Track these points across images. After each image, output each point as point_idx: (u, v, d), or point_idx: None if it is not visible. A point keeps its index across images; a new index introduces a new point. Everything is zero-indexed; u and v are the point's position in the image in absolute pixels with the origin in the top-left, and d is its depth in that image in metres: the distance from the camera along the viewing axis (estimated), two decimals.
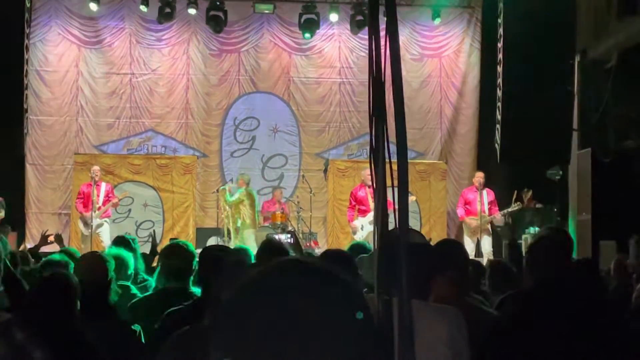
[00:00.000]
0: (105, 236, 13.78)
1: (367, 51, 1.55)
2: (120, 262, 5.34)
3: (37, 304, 3.84)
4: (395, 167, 1.42)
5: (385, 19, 1.52)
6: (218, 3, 15.82)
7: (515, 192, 14.02)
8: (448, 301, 3.41)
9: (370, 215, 13.50)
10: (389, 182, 1.43)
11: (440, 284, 3.59)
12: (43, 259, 5.98)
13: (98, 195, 14.04)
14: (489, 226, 14.10)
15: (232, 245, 14.02)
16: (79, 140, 16.36)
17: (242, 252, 5.53)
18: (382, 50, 1.49)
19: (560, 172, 13.75)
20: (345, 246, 8.71)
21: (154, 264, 7.91)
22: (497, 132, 14.67)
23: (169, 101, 16.69)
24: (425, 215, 16.04)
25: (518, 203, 13.81)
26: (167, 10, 15.81)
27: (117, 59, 16.55)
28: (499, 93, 14.69)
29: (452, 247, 4.17)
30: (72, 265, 5.10)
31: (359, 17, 15.92)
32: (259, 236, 13.55)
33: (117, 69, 16.54)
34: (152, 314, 4.47)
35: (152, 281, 6.05)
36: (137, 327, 4.27)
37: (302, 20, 16.15)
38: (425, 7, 16.72)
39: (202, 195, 16.09)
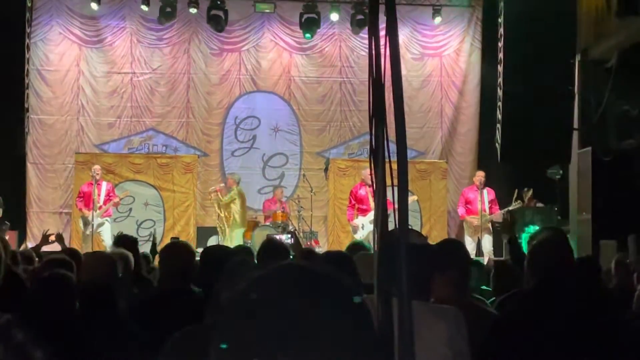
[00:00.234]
0: (106, 235, 13.79)
1: (367, 50, 1.55)
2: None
3: (36, 304, 3.84)
4: (395, 166, 1.42)
5: (385, 18, 1.52)
6: (219, 2, 15.82)
7: (516, 191, 14.02)
8: (449, 301, 3.41)
9: (371, 215, 13.51)
10: (389, 182, 1.43)
11: (441, 284, 3.59)
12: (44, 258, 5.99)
13: (99, 195, 14.05)
14: (489, 225, 14.11)
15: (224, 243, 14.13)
16: (80, 140, 16.37)
17: (244, 251, 5.53)
18: (382, 50, 1.49)
19: (561, 172, 13.74)
20: (345, 245, 8.71)
21: (154, 264, 7.92)
22: (497, 131, 14.65)
23: (169, 100, 16.69)
24: (425, 214, 16.04)
25: (518, 201, 13.81)
26: (168, 9, 15.82)
27: (118, 58, 16.55)
28: (500, 92, 14.66)
29: (453, 246, 4.16)
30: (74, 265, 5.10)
31: (360, 17, 15.93)
32: (259, 235, 13.55)
33: (118, 68, 16.54)
34: (153, 314, 4.47)
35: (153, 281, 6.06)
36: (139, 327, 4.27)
37: (303, 19, 16.15)
38: (426, 5, 16.73)
39: (203, 195, 16.08)
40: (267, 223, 14.61)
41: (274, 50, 16.94)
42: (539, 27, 13.30)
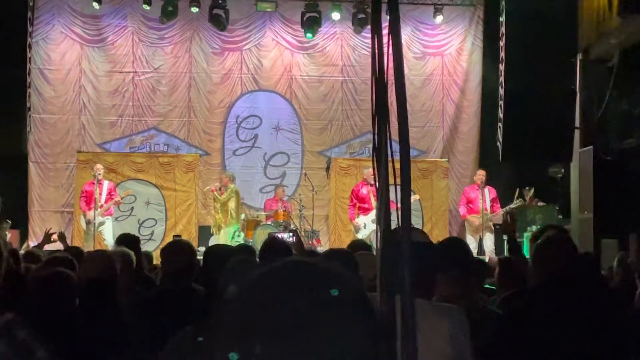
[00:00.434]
0: (108, 234, 13.82)
1: (369, 49, 1.55)
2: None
3: (37, 303, 3.84)
4: (397, 165, 1.42)
5: (388, 17, 1.52)
6: (220, 1, 15.82)
7: (517, 190, 14.03)
8: (452, 300, 3.41)
9: (373, 214, 13.51)
10: (391, 181, 1.44)
11: (444, 282, 3.59)
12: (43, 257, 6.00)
13: (100, 194, 14.06)
14: (491, 224, 14.12)
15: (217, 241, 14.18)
16: (82, 139, 16.38)
17: (246, 250, 5.53)
18: (385, 49, 1.49)
19: (562, 170, 13.75)
20: (347, 244, 8.72)
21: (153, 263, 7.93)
22: (499, 130, 14.63)
23: (171, 99, 16.70)
24: (427, 213, 16.05)
25: (520, 200, 13.82)
26: (170, 8, 15.83)
27: (119, 57, 16.56)
28: (501, 91, 14.64)
29: (456, 245, 4.16)
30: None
31: (361, 15, 15.93)
32: (261, 234, 13.57)
33: (120, 67, 16.55)
34: (155, 313, 4.48)
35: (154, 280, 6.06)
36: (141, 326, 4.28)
37: (304, 18, 16.15)
38: (428, 5, 16.73)
39: (205, 194, 16.10)
40: (269, 222, 14.62)
41: (275, 49, 16.95)
42: (540, 25, 13.29)
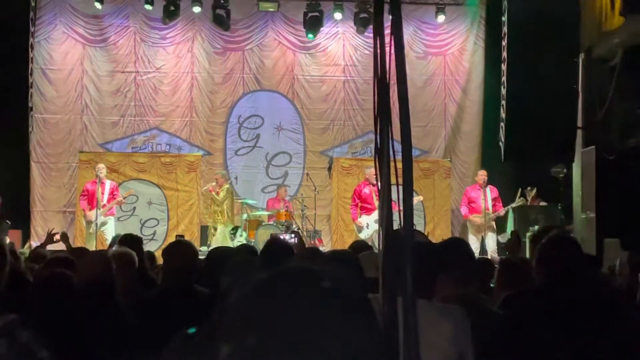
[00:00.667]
0: (110, 234, 13.79)
1: (371, 49, 1.55)
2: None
3: (38, 303, 3.84)
4: (400, 165, 1.42)
5: (391, 17, 1.52)
6: (222, 1, 15.82)
7: (520, 190, 14.02)
8: (453, 300, 3.41)
9: (375, 214, 13.51)
10: (393, 181, 1.43)
11: (445, 283, 3.59)
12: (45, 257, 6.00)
13: (102, 193, 14.07)
14: (493, 224, 14.12)
15: (216, 242, 14.21)
16: (84, 139, 16.39)
17: (247, 250, 5.53)
18: (387, 49, 1.49)
19: (565, 170, 13.74)
20: (349, 244, 8.72)
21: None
22: (501, 130, 14.65)
23: (173, 99, 16.71)
24: (429, 213, 16.03)
25: (521, 199, 13.81)
26: (172, 8, 15.83)
27: (121, 57, 16.56)
28: (503, 91, 14.66)
29: (457, 245, 4.16)
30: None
31: (363, 15, 15.92)
32: (263, 234, 13.57)
33: (122, 67, 16.56)
34: (156, 313, 4.47)
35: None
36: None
37: (306, 18, 16.15)
38: (430, 4, 16.73)
39: (207, 193, 16.09)
40: (271, 222, 14.61)
41: (277, 49, 16.94)
42: (542, 25, 13.29)
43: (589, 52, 13.16)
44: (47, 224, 14.93)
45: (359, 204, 14.13)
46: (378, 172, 1.50)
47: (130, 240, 6.54)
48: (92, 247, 13.11)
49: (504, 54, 14.74)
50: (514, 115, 14.01)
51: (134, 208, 15.71)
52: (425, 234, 14.73)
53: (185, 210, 15.82)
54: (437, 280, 3.36)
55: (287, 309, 1.17)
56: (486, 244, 13.90)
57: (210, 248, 13.96)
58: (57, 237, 8.24)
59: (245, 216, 14.97)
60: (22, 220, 15.21)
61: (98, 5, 15.83)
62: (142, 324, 4.33)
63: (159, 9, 15.95)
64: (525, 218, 13.60)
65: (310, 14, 16.10)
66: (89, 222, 14.00)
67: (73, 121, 16.38)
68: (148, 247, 10.54)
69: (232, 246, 13.57)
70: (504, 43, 14.78)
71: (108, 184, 14.29)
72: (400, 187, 1.38)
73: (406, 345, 1.29)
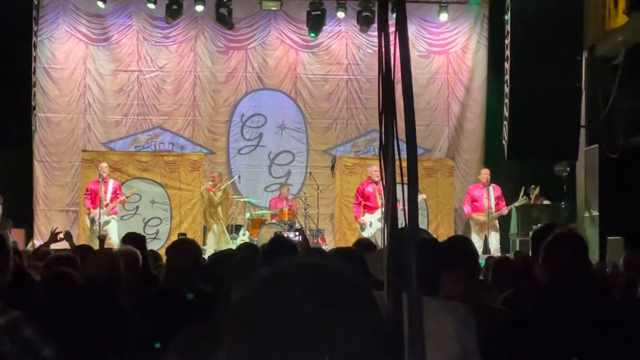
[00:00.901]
0: (113, 233, 13.83)
1: (374, 48, 1.55)
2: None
3: (41, 301, 3.85)
4: (404, 164, 1.42)
5: (394, 16, 1.52)
6: (225, 0, 15.82)
7: (523, 188, 14.02)
8: (458, 298, 3.41)
9: (379, 212, 13.51)
10: (398, 179, 1.43)
11: (449, 281, 3.58)
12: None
13: (105, 192, 14.09)
14: (496, 222, 14.11)
15: (210, 241, 14.24)
16: (87, 138, 16.40)
17: (250, 249, 5.53)
18: (391, 48, 1.49)
19: (568, 169, 13.72)
20: (352, 243, 8.71)
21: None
22: (504, 128, 14.62)
23: (176, 98, 16.71)
24: (432, 212, 16.04)
25: (524, 197, 13.80)
26: (174, 7, 15.83)
27: (124, 56, 16.58)
28: (506, 89, 14.63)
29: (461, 244, 4.16)
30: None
31: (366, 14, 15.89)
32: (266, 233, 13.57)
33: (125, 66, 16.57)
34: (160, 312, 4.47)
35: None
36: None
37: (309, 17, 16.14)
38: (432, 3, 16.72)
39: (205, 193, 16.10)
40: (274, 221, 14.62)
41: (280, 48, 16.94)
42: (545, 24, 13.27)
43: (592, 51, 13.15)
44: (51, 222, 14.95)
45: (362, 203, 14.13)
46: (383, 170, 1.50)
47: (134, 239, 6.54)
48: (95, 246, 13.12)
49: (507, 52, 14.70)
50: (517, 114, 13.97)
51: (137, 207, 15.73)
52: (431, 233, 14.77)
53: (188, 209, 15.83)
54: (441, 277, 3.36)
55: (289, 306, 1.17)
56: (489, 242, 13.89)
57: (205, 247, 14.06)
58: (61, 236, 8.26)
59: (248, 215, 14.98)
60: (26, 219, 15.22)
61: (101, 4, 15.84)
62: (144, 322, 4.33)
63: (161, 8, 15.95)
64: (529, 217, 13.60)
65: (312, 13, 16.09)
66: (92, 220, 14.01)
67: (76, 120, 16.39)
68: (151, 246, 10.54)
69: (229, 246, 13.65)
70: (507, 41, 14.74)
71: (111, 183, 14.32)
72: (405, 186, 1.37)
73: (411, 342, 1.29)
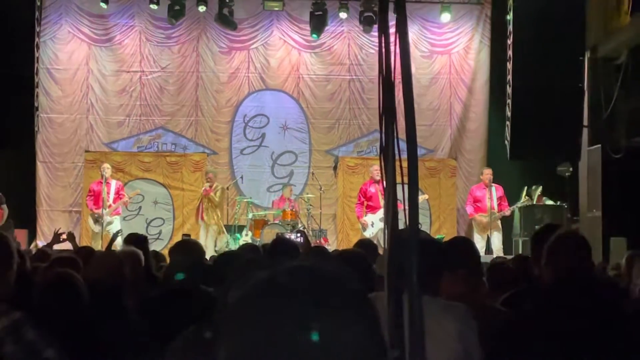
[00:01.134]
0: None
1: (376, 48, 1.55)
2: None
3: (44, 303, 3.85)
4: (405, 164, 1.42)
5: (395, 15, 1.52)
6: (227, 0, 15.82)
7: (525, 188, 14.00)
8: (459, 299, 3.41)
9: (381, 212, 13.51)
10: (398, 180, 1.43)
11: (451, 281, 3.58)
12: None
13: (108, 193, 14.10)
14: (499, 223, 14.10)
15: (207, 241, 14.22)
16: (89, 138, 16.41)
17: (253, 249, 5.54)
18: (392, 48, 1.49)
19: (571, 169, 13.71)
20: (354, 243, 8.71)
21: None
22: (506, 128, 14.62)
23: (178, 99, 16.72)
24: (435, 212, 16.03)
25: (527, 198, 13.79)
26: (177, 7, 15.83)
27: (127, 57, 16.58)
28: (509, 90, 14.63)
29: (463, 244, 4.16)
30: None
31: (368, 14, 15.89)
32: (268, 233, 13.58)
33: (127, 66, 16.57)
34: (162, 313, 4.47)
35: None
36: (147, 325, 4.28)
37: (312, 17, 16.14)
38: (435, 3, 16.72)
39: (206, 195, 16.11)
40: (276, 221, 14.61)
41: (282, 49, 16.94)
42: (548, 24, 13.27)
43: (594, 51, 13.15)
44: (53, 223, 14.97)
45: (365, 203, 14.14)
46: (383, 171, 1.51)
47: (136, 240, 6.54)
48: (98, 246, 13.14)
49: (510, 52, 14.71)
50: (519, 114, 13.98)
51: (140, 207, 15.74)
52: (431, 232, 14.76)
53: (190, 209, 15.82)
54: (442, 277, 3.36)
55: (286, 308, 1.17)
56: (492, 243, 13.88)
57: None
58: (64, 236, 8.26)
59: (250, 215, 14.98)
60: (28, 220, 15.24)
61: (103, 5, 15.85)
62: (147, 323, 4.34)
63: (164, 8, 15.96)
64: (531, 217, 13.58)
65: (315, 13, 16.09)
66: (96, 220, 14.02)
67: (79, 121, 16.41)
68: (154, 246, 10.56)
69: (231, 246, 13.64)
70: (509, 41, 14.74)
71: (114, 184, 14.33)
72: (406, 186, 1.38)
73: (412, 342, 1.29)
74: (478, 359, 3.17)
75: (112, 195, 14.16)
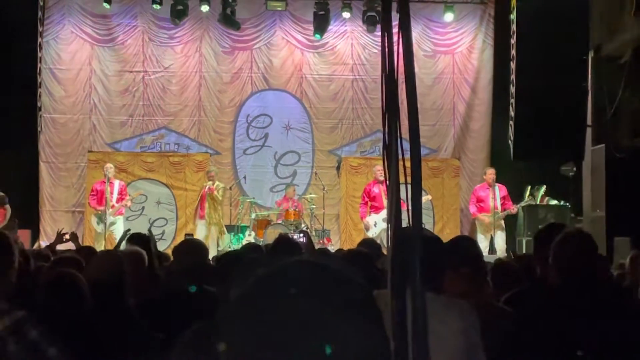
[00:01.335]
0: (119, 234, 13.82)
1: (379, 47, 1.54)
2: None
3: (46, 303, 3.85)
4: (408, 164, 1.42)
5: (399, 15, 1.51)
6: (230, 0, 15.83)
7: (529, 188, 13.99)
8: (462, 298, 3.40)
9: (384, 213, 13.50)
10: (402, 179, 1.43)
11: (453, 280, 3.58)
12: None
13: (111, 193, 14.11)
14: (502, 222, 14.09)
15: (209, 240, 14.22)
16: (92, 138, 16.43)
17: (256, 249, 5.53)
18: (395, 46, 1.48)
19: (574, 169, 13.70)
20: (357, 243, 8.71)
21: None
22: (510, 128, 14.60)
23: (181, 99, 16.72)
24: (438, 212, 16.03)
25: (530, 197, 13.78)
26: (180, 7, 15.84)
27: (130, 57, 16.60)
28: (512, 89, 14.61)
29: (465, 244, 4.15)
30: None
31: (371, 13, 15.89)
32: (272, 233, 13.57)
33: (130, 66, 16.59)
34: (165, 312, 4.47)
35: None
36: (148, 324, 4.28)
37: (315, 17, 16.15)
38: (438, 3, 16.71)
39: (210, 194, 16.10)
40: (280, 221, 14.62)
41: (285, 48, 16.94)
42: (551, 23, 13.25)
43: (598, 50, 13.13)
44: (56, 223, 14.99)
45: (369, 203, 14.13)
46: (386, 171, 1.50)
47: (139, 239, 6.54)
48: (101, 246, 13.15)
49: (513, 52, 14.69)
50: (523, 114, 13.96)
51: (143, 207, 15.75)
52: (434, 232, 14.75)
53: (193, 209, 15.82)
54: (444, 275, 3.35)
55: (287, 305, 1.16)
56: (495, 243, 13.87)
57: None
58: (67, 236, 8.27)
59: (254, 215, 14.98)
60: (31, 220, 15.26)
61: (106, 5, 15.86)
62: (150, 322, 4.33)
63: (167, 8, 15.97)
64: (535, 217, 13.58)
65: (318, 13, 16.10)
66: (100, 220, 14.03)
67: (82, 121, 16.42)
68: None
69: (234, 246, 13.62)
70: (513, 41, 14.72)
71: (117, 184, 14.34)
72: (409, 186, 1.37)
73: (415, 339, 1.29)
74: (481, 356, 3.16)
75: (115, 196, 14.17)
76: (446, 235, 14.09)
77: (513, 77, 14.58)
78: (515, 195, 14.22)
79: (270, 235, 13.49)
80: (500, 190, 14.10)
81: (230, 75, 16.84)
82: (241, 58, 16.84)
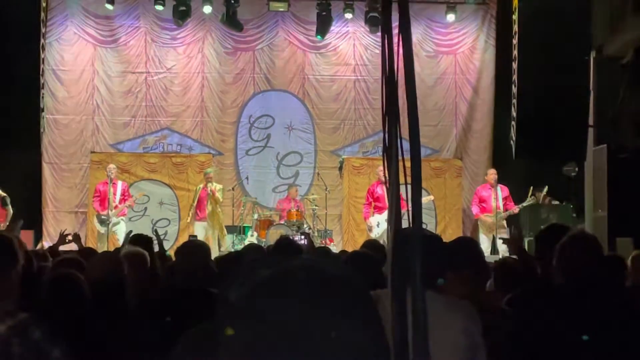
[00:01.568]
0: (122, 234, 13.83)
1: (381, 48, 1.55)
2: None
3: (48, 304, 3.86)
4: (408, 164, 1.42)
5: (399, 16, 1.52)
6: (233, 1, 15.83)
7: (531, 188, 13.99)
8: (462, 298, 3.41)
9: (387, 213, 13.49)
10: (402, 180, 1.43)
11: (455, 281, 3.58)
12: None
13: (114, 194, 14.12)
14: (504, 223, 14.08)
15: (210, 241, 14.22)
16: (95, 139, 16.44)
17: (257, 250, 5.54)
18: (395, 48, 1.49)
19: (576, 169, 13.69)
20: (360, 244, 8.72)
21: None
22: (512, 128, 14.62)
23: (184, 99, 16.73)
24: (440, 212, 16.02)
25: (532, 197, 13.77)
26: (182, 8, 15.85)
27: (132, 58, 16.61)
28: (514, 90, 14.63)
29: (467, 245, 4.15)
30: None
31: (372, 14, 15.89)
32: (274, 234, 13.57)
33: (133, 67, 16.60)
34: (168, 313, 4.48)
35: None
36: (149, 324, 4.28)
37: (317, 17, 16.15)
38: (440, 3, 16.71)
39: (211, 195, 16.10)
40: (282, 222, 14.62)
41: (288, 49, 16.95)
42: (553, 23, 13.26)
43: (600, 50, 13.11)
44: (59, 224, 15.00)
45: (372, 203, 14.14)
46: (386, 171, 1.51)
47: (141, 240, 6.55)
48: (104, 247, 13.17)
49: (515, 52, 14.70)
50: (525, 114, 13.97)
51: (145, 208, 15.76)
52: (437, 233, 14.74)
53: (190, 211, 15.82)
54: (446, 275, 3.36)
55: (287, 306, 1.17)
56: (497, 243, 13.86)
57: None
58: (70, 237, 8.27)
59: (256, 216, 14.99)
60: (34, 221, 15.26)
61: (109, 6, 15.88)
62: (151, 323, 4.34)
63: (169, 9, 15.99)
64: (537, 217, 13.56)
65: (320, 14, 16.10)
66: (102, 221, 14.04)
67: (84, 122, 16.43)
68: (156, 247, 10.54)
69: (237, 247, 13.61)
70: (514, 41, 14.74)
71: (120, 185, 14.35)
72: (409, 185, 1.38)
73: (416, 339, 1.29)
74: (482, 356, 3.17)
75: (118, 196, 14.19)
76: (448, 236, 14.11)
77: (515, 77, 14.60)
78: (518, 195, 14.22)
79: (272, 236, 13.49)
80: (502, 191, 14.10)
81: (232, 76, 16.85)
82: (243, 59, 16.85)
